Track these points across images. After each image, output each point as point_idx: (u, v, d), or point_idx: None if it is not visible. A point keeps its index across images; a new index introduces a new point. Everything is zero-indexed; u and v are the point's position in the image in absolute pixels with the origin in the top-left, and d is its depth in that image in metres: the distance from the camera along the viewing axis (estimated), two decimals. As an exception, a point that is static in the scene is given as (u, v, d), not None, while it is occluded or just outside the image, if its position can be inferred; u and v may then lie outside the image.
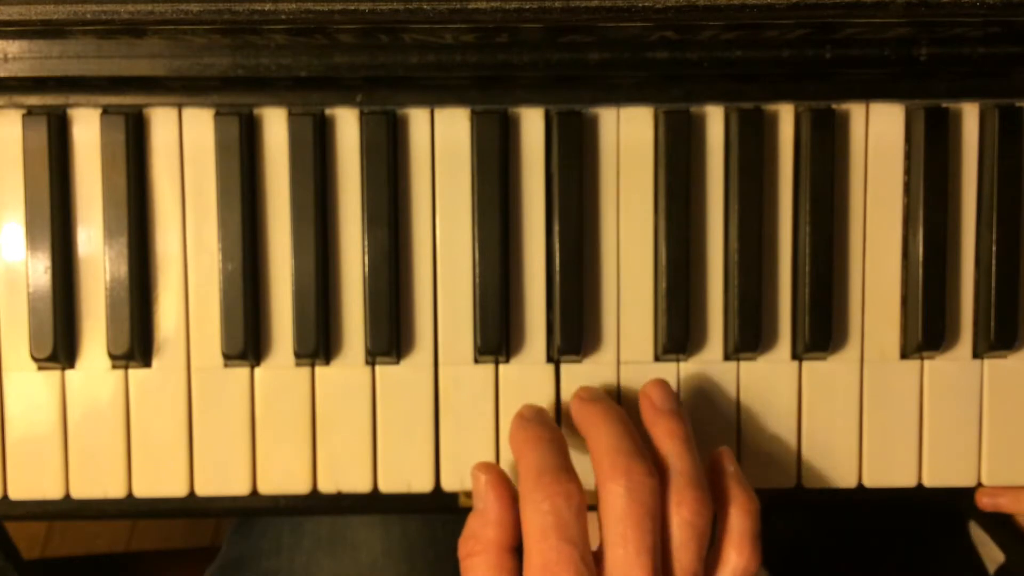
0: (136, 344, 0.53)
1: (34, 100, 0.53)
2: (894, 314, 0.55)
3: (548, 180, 0.54)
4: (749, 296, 0.53)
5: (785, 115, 0.54)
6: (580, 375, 0.54)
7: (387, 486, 0.54)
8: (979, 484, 0.55)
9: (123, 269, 0.53)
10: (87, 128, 0.53)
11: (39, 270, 0.52)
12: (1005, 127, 0.54)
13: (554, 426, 0.50)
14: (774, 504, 0.55)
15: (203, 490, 0.54)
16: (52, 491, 0.54)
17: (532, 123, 0.54)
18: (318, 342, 0.53)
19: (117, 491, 0.54)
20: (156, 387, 0.54)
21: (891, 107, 0.54)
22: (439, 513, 0.52)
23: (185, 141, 0.54)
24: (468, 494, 0.54)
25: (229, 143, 0.53)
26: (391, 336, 0.53)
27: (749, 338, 0.53)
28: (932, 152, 0.53)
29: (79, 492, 0.54)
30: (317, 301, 0.53)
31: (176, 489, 0.54)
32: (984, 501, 0.55)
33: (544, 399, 0.54)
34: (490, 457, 0.54)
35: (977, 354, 0.55)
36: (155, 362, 0.54)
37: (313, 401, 0.54)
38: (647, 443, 0.49)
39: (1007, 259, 0.54)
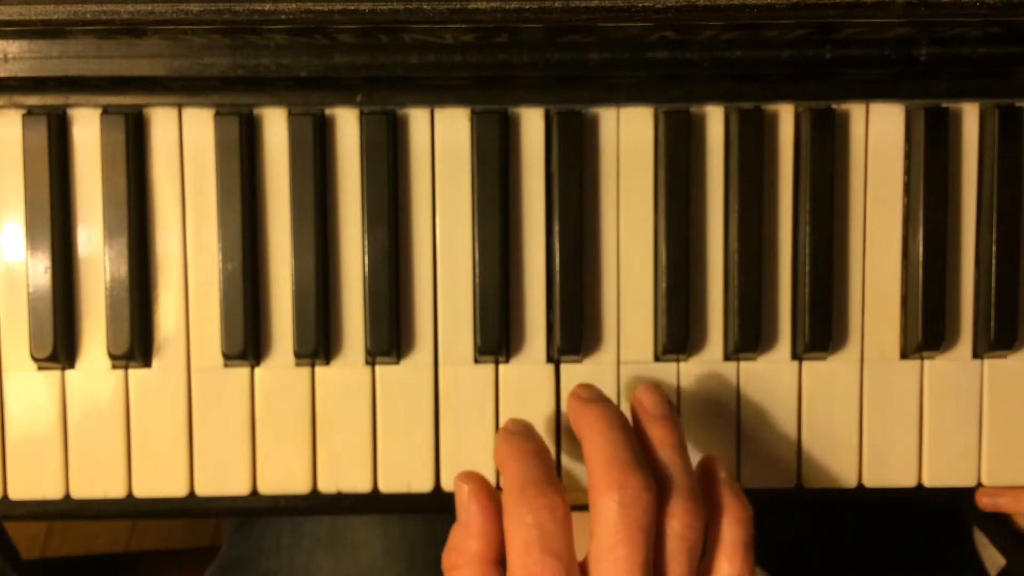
0: (136, 344, 0.53)
1: (34, 100, 0.53)
2: (894, 314, 0.55)
3: (548, 180, 0.54)
4: (749, 296, 0.53)
5: (785, 115, 0.54)
6: (580, 375, 0.54)
7: (387, 486, 0.54)
8: (979, 484, 0.55)
9: (123, 269, 0.53)
10: (87, 128, 0.53)
11: (39, 270, 0.52)
12: (1005, 127, 0.54)
13: (539, 439, 0.49)
14: (774, 504, 0.56)
15: (203, 490, 0.54)
16: (52, 491, 0.54)
17: (532, 123, 0.54)
18: (318, 342, 0.53)
19: (117, 491, 0.54)
20: (156, 387, 0.54)
21: (891, 107, 0.54)
22: (439, 513, 0.51)
23: (185, 141, 0.54)
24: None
25: (229, 143, 0.53)
26: (391, 336, 0.53)
27: (749, 338, 0.53)
28: (932, 152, 0.53)
29: (79, 492, 0.54)
30: (317, 301, 0.53)
31: (176, 489, 0.54)
32: (984, 501, 0.55)
33: (544, 399, 0.54)
34: (490, 457, 0.54)
35: (977, 354, 0.55)
36: (155, 362, 0.54)
37: (313, 401, 0.54)
38: (642, 447, 0.48)
39: (1007, 259, 0.54)
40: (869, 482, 0.55)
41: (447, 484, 0.54)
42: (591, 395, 0.50)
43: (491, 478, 0.53)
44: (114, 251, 0.53)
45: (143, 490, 0.54)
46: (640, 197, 0.54)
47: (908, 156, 0.54)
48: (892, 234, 0.55)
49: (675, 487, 0.45)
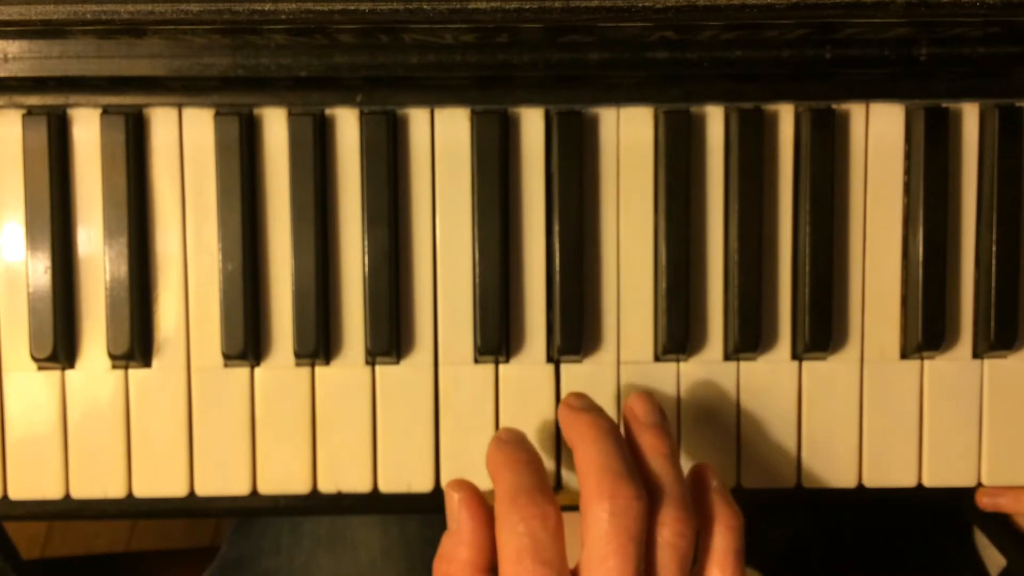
0: (136, 344, 0.53)
1: (34, 100, 0.53)
2: (894, 314, 0.55)
3: (548, 180, 0.54)
4: (749, 296, 0.53)
5: (785, 115, 0.54)
6: (580, 375, 0.54)
7: (387, 486, 0.54)
8: (979, 484, 0.55)
9: (123, 269, 0.53)
10: (87, 128, 0.53)
11: (39, 270, 0.52)
12: (1005, 127, 0.54)
13: (531, 448, 0.49)
14: (774, 504, 0.56)
15: (203, 490, 0.54)
16: (52, 491, 0.54)
17: (532, 123, 0.54)
18: (318, 342, 0.53)
19: (117, 491, 0.54)
20: (156, 387, 0.54)
21: (891, 107, 0.54)
22: (439, 513, 0.51)
23: (185, 141, 0.54)
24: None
25: (229, 143, 0.53)
26: (391, 336, 0.53)
27: (749, 338, 0.53)
28: (932, 152, 0.53)
29: (79, 492, 0.54)
30: (317, 301, 0.53)
31: (176, 489, 0.54)
32: (984, 501, 0.55)
33: (544, 399, 0.54)
34: (490, 457, 0.54)
35: (977, 354, 0.55)
36: (155, 362, 0.54)
37: (313, 401, 0.54)
38: (633, 456, 0.48)
39: (1007, 259, 0.54)
40: (869, 482, 0.55)
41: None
42: (582, 404, 0.50)
43: (489, 480, 0.53)
44: (114, 251, 0.53)
45: (143, 490, 0.54)
46: (640, 197, 0.54)
47: (908, 156, 0.54)
48: (892, 234, 0.55)
49: (666, 496, 0.45)
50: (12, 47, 0.52)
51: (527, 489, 0.45)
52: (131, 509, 0.54)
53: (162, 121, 0.53)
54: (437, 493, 0.54)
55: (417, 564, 0.68)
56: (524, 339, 0.54)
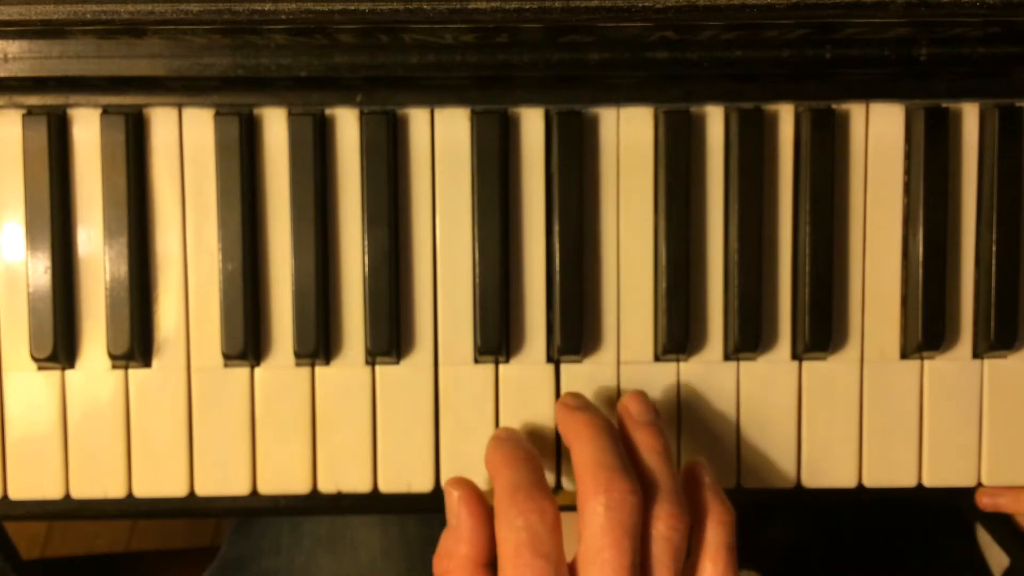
0: (136, 344, 0.53)
1: (34, 100, 0.53)
2: (894, 314, 0.55)
3: (548, 180, 0.54)
4: (749, 296, 0.53)
5: (785, 115, 0.54)
6: (580, 375, 0.54)
7: (387, 486, 0.54)
8: (979, 484, 0.55)
9: (123, 269, 0.53)
10: (87, 128, 0.53)
11: (39, 270, 0.53)
12: (1005, 127, 0.54)
13: (529, 446, 0.50)
14: (774, 504, 0.56)
15: (203, 490, 0.54)
16: (52, 491, 0.54)
17: (532, 123, 0.54)
18: (318, 342, 0.53)
19: (117, 491, 0.54)
20: (156, 387, 0.54)
21: (891, 107, 0.54)
22: (439, 513, 0.51)
23: (185, 141, 0.54)
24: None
25: (229, 143, 0.53)
26: (391, 336, 0.53)
27: (749, 338, 0.53)
28: (932, 152, 0.53)
29: (79, 492, 0.54)
30: (317, 301, 0.53)
31: (176, 489, 0.54)
32: (984, 501, 0.55)
33: (544, 399, 0.54)
34: (490, 457, 0.54)
35: (977, 354, 0.55)
36: (155, 362, 0.54)
37: (313, 401, 0.54)
38: (628, 453, 0.49)
39: (1007, 259, 0.54)
40: (869, 482, 0.55)
41: (447, 484, 0.54)
42: (578, 403, 0.51)
43: (489, 480, 0.53)
44: (114, 251, 0.53)
45: (143, 490, 0.54)
46: (640, 197, 0.54)
47: (908, 156, 0.54)
48: (892, 234, 0.55)
49: (660, 491, 0.46)
50: (12, 47, 0.52)
51: (525, 485, 0.46)
52: (131, 509, 0.54)
53: (162, 121, 0.53)
54: (437, 493, 0.54)
55: (417, 564, 0.68)
56: (524, 339, 0.54)
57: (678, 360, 0.55)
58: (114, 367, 0.54)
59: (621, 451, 0.47)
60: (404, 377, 0.54)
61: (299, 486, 0.54)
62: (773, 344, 0.55)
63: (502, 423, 0.54)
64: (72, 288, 0.54)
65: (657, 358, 0.55)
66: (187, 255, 0.54)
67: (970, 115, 0.55)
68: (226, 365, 0.54)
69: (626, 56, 0.52)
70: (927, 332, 0.54)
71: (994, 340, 0.54)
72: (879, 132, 0.55)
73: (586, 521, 0.45)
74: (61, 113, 0.53)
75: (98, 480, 0.54)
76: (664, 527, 0.45)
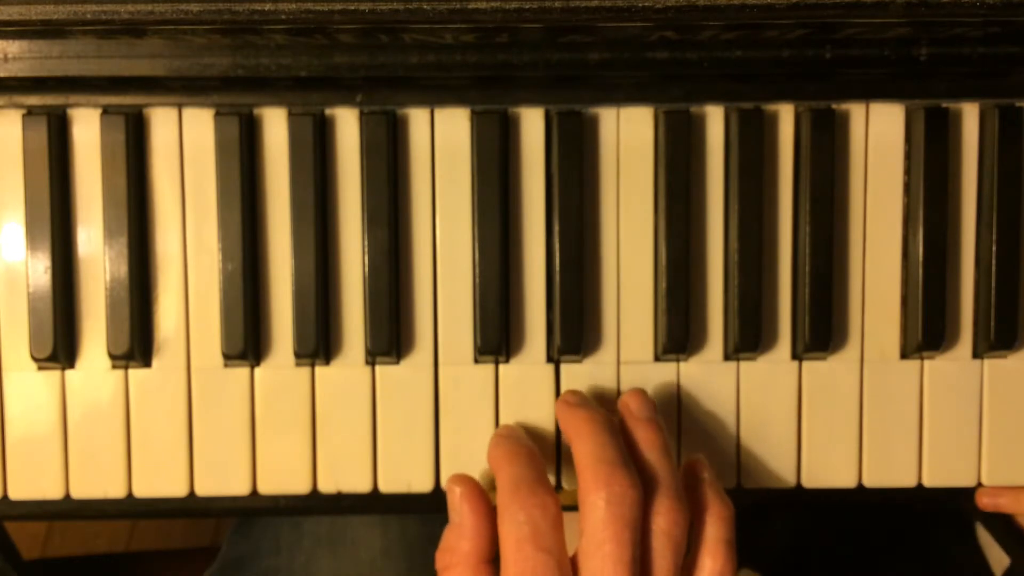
0: (136, 344, 0.53)
1: (34, 100, 0.53)
2: (894, 314, 0.55)
3: (548, 180, 0.54)
4: (749, 296, 0.53)
5: (785, 115, 0.54)
6: (580, 375, 0.54)
7: (387, 486, 0.54)
8: (979, 484, 0.55)
9: (123, 269, 0.53)
10: (87, 128, 0.53)
11: (39, 270, 0.52)
12: (1005, 127, 0.54)
13: (530, 443, 0.51)
14: (774, 504, 0.56)
15: (203, 490, 0.54)
16: (52, 491, 0.54)
17: (532, 123, 0.54)
18: (318, 342, 0.53)
19: (117, 491, 0.54)
20: (156, 387, 0.54)
21: (891, 107, 0.54)
22: (439, 513, 0.52)
23: (185, 141, 0.54)
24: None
25: (229, 143, 0.53)
26: (391, 336, 0.53)
27: (749, 338, 0.53)
28: (932, 152, 0.53)
29: (79, 492, 0.54)
30: (317, 301, 0.53)
31: (176, 489, 0.54)
32: (984, 501, 0.55)
33: (544, 399, 0.54)
34: (490, 457, 0.54)
35: (977, 354, 0.55)
36: (155, 362, 0.54)
37: (313, 401, 0.54)
38: (629, 449, 0.49)
39: (1007, 259, 0.54)
40: (869, 482, 0.55)
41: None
42: (578, 400, 0.52)
43: (492, 479, 0.53)
44: (114, 251, 0.53)
45: (143, 490, 0.54)
46: (640, 197, 0.54)
47: (908, 156, 0.54)
48: (892, 234, 0.55)
49: (660, 486, 0.47)
50: (12, 47, 0.52)
51: (527, 481, 0.47)
52: (131, 509, 0.54)
53: (162, 121, 0.53)
54: (437, 493, 0.54)
55: (417, 563, 0.68)
56: (524, 339, 0.54)
57: (678, 360, 0.55)
58: (114, 367, 0.54)
59: (621, 447, 0.48)
60: (404, 377, 0.54)
61: (299, 486, 0.54)
62: (773, 344, 0.55)
63: (502, 423, 0.54)
64: (72, 288, 0.54)
65: (657, 358, 0.55)
66: (187, 255, 0.54)
67: (970, 115, 0.55)
68: (226, 365, 0.54)
69: (626, 56, 0.52)
70: (927, 332, 0.54)
71: (994, 340, 0.54)
72: (879, 132, 0.55)
73: (587, 515, 0.45)
74: (61, 113, 0.53)
75: (98, 480, 0.54)
76: (664, 522, 0.46)
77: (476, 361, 0.54)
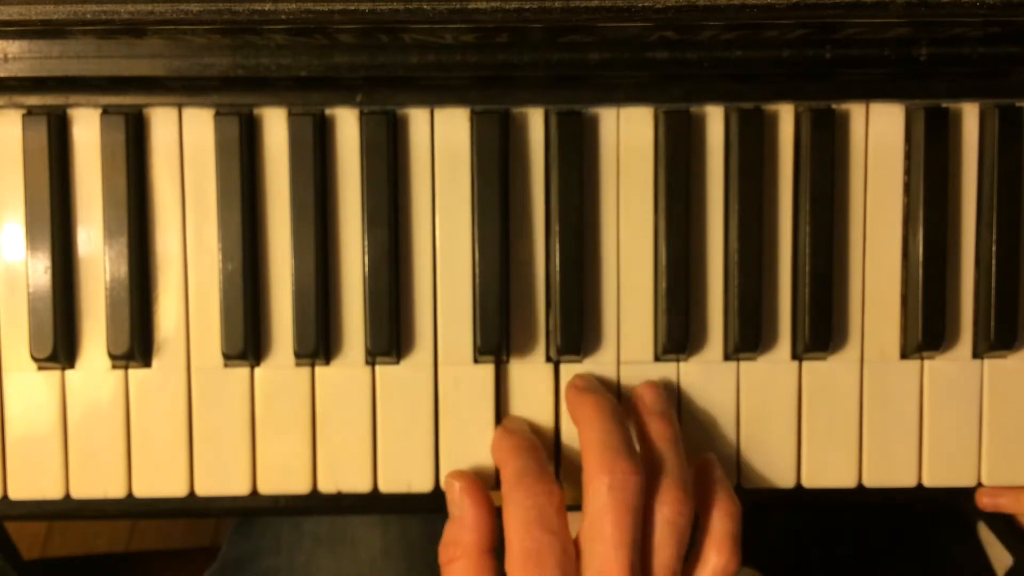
0: (136, 344, 0.53)
1: (34, 100, 0.53)
2: (894, 314, 0.55)
3: (548, 180, 0.54)
4: (749, 296, 0.53)
5: (785, 115, 0.54)
6: (580, 375, 0.54)
7: (387, 486, 0.54)
8: (979, 484, 0.55)
9: (123, 269, 0.53)
10: (87, 128, 0.53)
11: (39, 270, 0.52)
12: (1005, 127, 0.54)
13: (533, 437, 0.51)
14: (774, 504, 0.56)
15: (203, 490, 0.54)
16: (52, 491, 0.54)
17: (532, 123, 0.54)
18: (318, 342, 0.53)
19: (117, 491, 0.54)
20: (156, 387, 0.54)
21: (891, 107, 0.54)
22: (439, 513, 0.52)
23: (185, 141, 0.54)
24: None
25: (229, 143, 0.53)
26: (391, 336, 0.53)
27: (749, 338, 0.53)
28: (932, 152, 0.53)
29: (79, 492, 0.54)
30: (317, 301, 0.53)
31: (176, 489, 0.54)
32: (984, 501, 0.55)
33: (544, 399, 0.54)
34: (489, 457, 0.54)
35: (977, 354, 0.55)
36: (155, 362, 0.54)
37: (313, 401, 0.54)
38: (640, 440, 0.50)
39: (1007, 259, 0.54)
40: (869, 482, 0.55)
41: (447, 484, 0.54)
42: (587, 384, 0.53)
43: (490, 477, 0.53)
44: (114, 251, 0.53)
45: (143, 490, 0.54)
46: (640, 197, 0.54)
47: (908, 156, 0.54)
48: (892, 234, 0.55)
49: (667, 476, 0.48)
50: (12, 47, 0.52)
51: (532, 470, 0.48)
52: (131, 509, 0.54)
53: (162, 121, 0.53)
54: (437, 493, 0.54)
55: (417, 563, 0.68)
56: (524, 339, 0.54)
57: (678, 360, 0.55)
58: (114, 367, 0.54)
59: (627, 433, 0.49)
60: (404, 377, 0.54)
61: (299, 486, 0.54)
62: (773, 344, 0.55)
63: (502, 422, 0.54)
64: (72, 288, 0.54)
65: (657, 358, 0.55)
66: (187, 255, 0.54)
67: (970, 115, 0.55)
68: (226, 365, 0.54)
69: (626, 56, 0.52)
70: (927, 332, 0.54)
71: (994, 340, 0.54)
72: (879, 132, 0.55)
73: (590, 499, 0.46)
74: (61, 113, 0.53)
75: (98, 480, 0.54)
76: (669, 511, 0.47)
77: (476, 361, 0.54)
